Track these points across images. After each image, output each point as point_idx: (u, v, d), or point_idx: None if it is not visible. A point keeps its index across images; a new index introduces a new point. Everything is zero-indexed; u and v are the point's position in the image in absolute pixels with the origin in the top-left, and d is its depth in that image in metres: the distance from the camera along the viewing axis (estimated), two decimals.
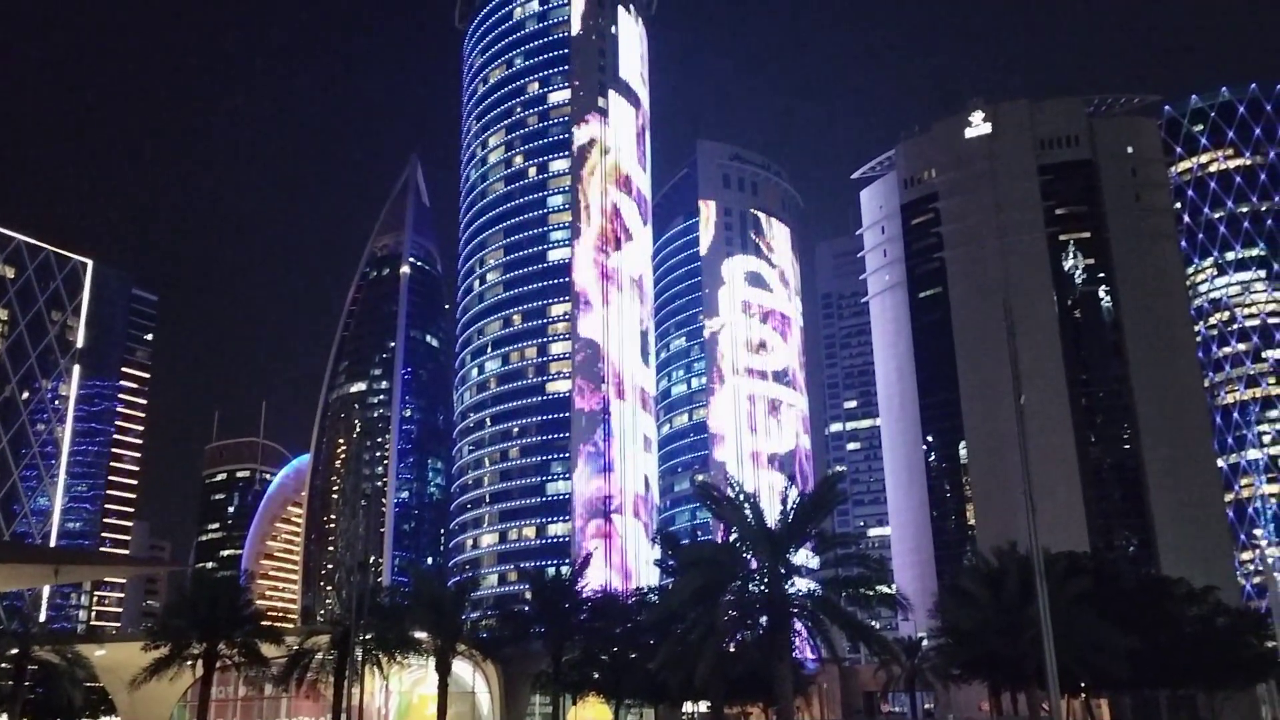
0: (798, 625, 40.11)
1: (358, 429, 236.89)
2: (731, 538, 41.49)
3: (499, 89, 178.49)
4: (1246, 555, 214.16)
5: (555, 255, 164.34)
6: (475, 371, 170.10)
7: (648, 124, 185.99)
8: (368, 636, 51.68)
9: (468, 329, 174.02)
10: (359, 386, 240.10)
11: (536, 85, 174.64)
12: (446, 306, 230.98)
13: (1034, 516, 37.91)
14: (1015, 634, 42.18)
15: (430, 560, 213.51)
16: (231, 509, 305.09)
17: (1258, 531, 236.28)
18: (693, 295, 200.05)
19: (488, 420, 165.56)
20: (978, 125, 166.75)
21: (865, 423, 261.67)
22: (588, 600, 59.09)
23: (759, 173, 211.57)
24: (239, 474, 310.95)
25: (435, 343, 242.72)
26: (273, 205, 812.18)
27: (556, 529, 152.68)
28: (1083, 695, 63.94)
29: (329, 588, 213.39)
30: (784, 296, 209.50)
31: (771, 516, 40.44)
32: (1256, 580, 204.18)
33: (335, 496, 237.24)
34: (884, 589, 41.94)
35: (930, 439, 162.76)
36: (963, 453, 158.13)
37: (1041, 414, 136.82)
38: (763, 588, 39.96)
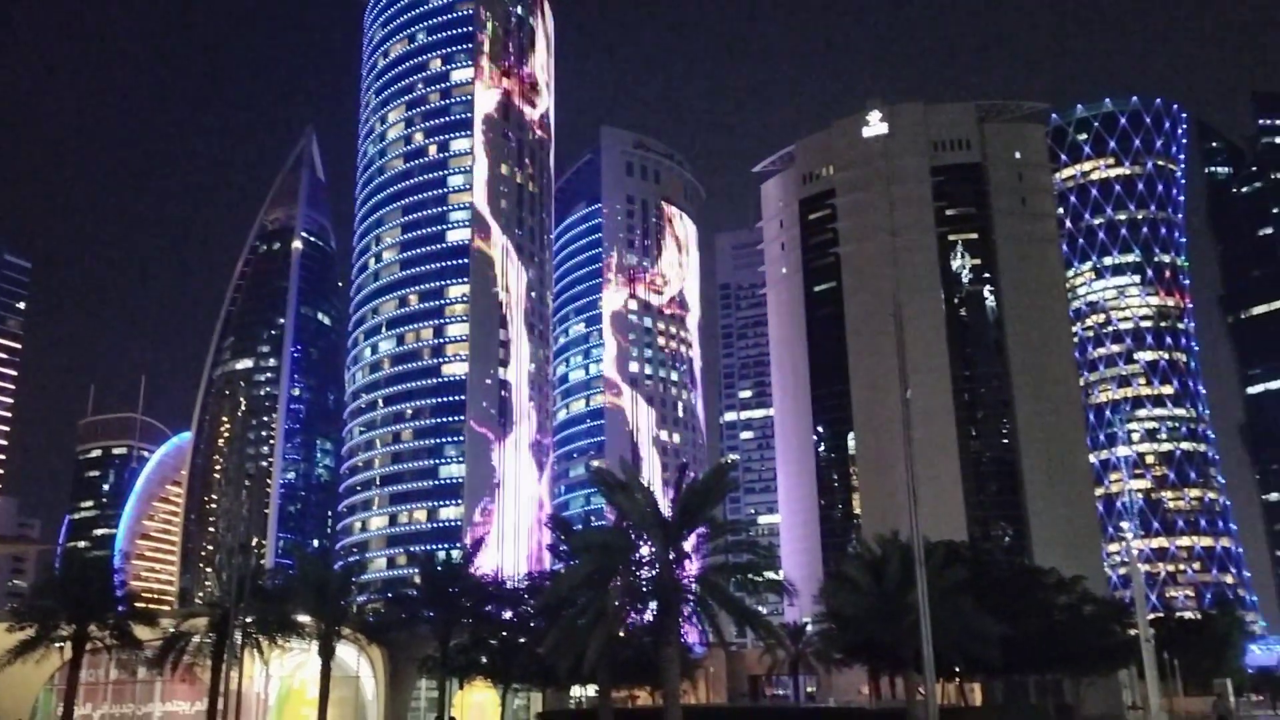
0: (687, 610, 40.54)
1: (243, 407, 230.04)
2: (624, 524, 41.62)
3: (400, 63, 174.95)
4: (1113, 547, 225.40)
5: (455, 236, 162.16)
6: (368, 351, 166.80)
7: (552, 108, 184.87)
8: (248, 619, 50.36)
9: (362, 308, 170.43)
10: (245, 363, 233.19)
11: (439, 62, 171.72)
12: (340, 284, 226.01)
13: (916, 506, 39.07)
14: (895, 620, 43.43)
15: (316, 543, 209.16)
16: (106, 487, 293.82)
17: (1124, 525, 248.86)
18: (593, 282, 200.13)
19: (380, 401, 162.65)
20: (875, 125, 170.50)
21: (759, 412, 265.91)
22: (478, 584, 58.60)
23: (662, 161, 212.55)
24: (115, 451, 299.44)
25: (327, 321, 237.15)
26: (158, 171, 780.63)
27: (448, 512, 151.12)
28: (957, 680, 66.31)
29: (209, 570, 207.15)
30: (683, 286, 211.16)
31: (665, 503, 40.75)
32: (1122, 571, 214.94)
33: (217, 476, 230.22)
34: (771, 575, 42.61)
35: (821, 429, 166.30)
36: (851, 443, 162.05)
37: (926, 408, 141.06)
38: (654, 573, 40.25)
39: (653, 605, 40.51)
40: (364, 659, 72.50)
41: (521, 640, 56.23)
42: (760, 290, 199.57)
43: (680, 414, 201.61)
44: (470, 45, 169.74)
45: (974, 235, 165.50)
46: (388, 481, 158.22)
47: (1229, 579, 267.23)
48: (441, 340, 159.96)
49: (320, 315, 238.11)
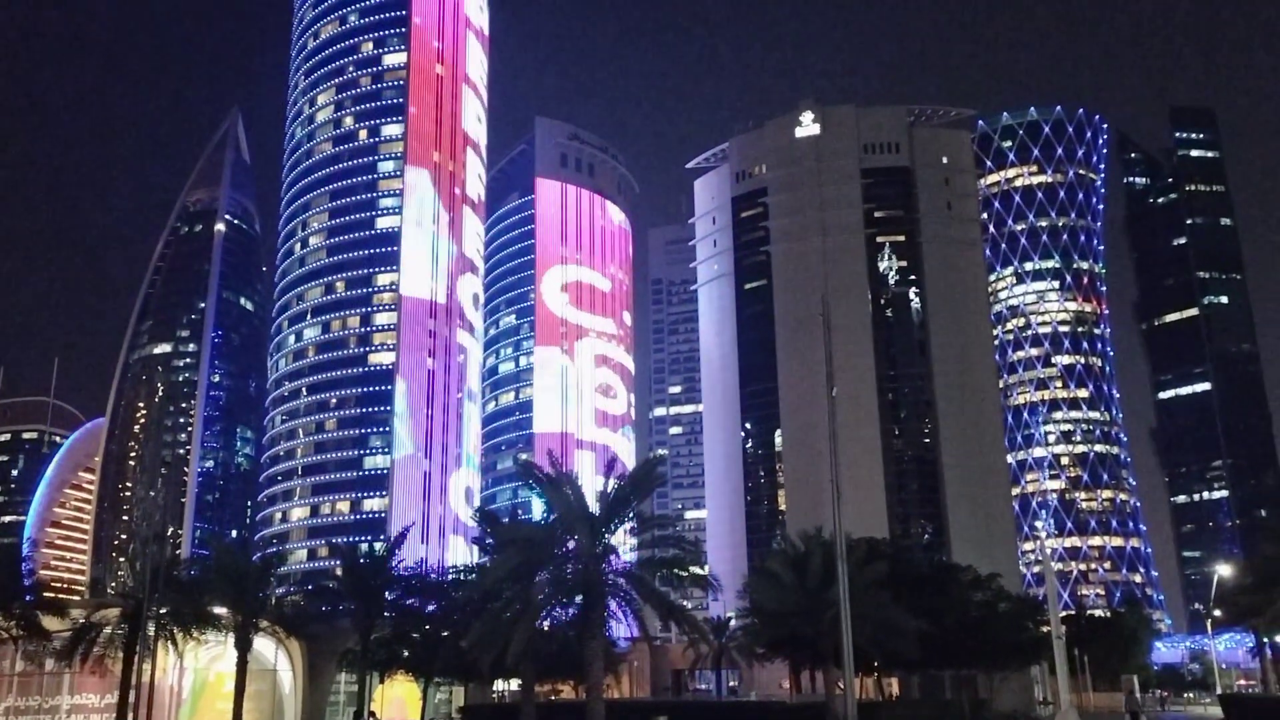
0: (613, 604, 40.58)
1: (160, 393, 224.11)
2: (551, 517, 41.49)
3: (330, 46, 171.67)
4: (1028, 545, 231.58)
5: (384, 223, 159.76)
6: (293, 338, 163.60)
7: (486, 96, 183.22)
8: (162, 611, 49.11)
9: (286, 293, 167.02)
10: (164, 348, 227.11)
11: (371, 45, 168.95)
12: (264, 269, 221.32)
13: (839, 503, 39.63)
14: (817, 615, 43.99)
15: (235, 533, 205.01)
16: (15, 472, 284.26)
17: (1039, 524, 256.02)
18: (525, 273, 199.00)
19: (304, 390, 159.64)
20: (808, 126, 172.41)
21: (688, 408, 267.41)
22: (402, 577, 57.88)
23: (597, 154, 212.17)
24: (25, 435, 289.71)
25: (250, 306, 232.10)
26: (75, 148, 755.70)
27: (373, 504, 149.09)
28: (875, 674, 67.46)
29: (122, 559, 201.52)
30: (615, 280, 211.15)
31: (592, 497, 40.71)
32: (1036, 569, 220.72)
33: (132, 463, 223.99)
34: (697, 570, 42.85)
35: (749, 426, 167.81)
36: (778, 440, 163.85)
37: (851, 407, 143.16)
38: (580, 567, 40.21)
39: (578, 599, 40.47)
40: (282, 652, 71.20)
41: (445, 634, 55.72)
42: (692, 286, 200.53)
43: (610, 407, 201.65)
44: (404, 29, 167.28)
45: (901, 238, 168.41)
46: (310, 471, 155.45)
47: (1138, 578, 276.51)
48: (369, 329, 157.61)
49: (243, 300, 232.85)
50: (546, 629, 43.99)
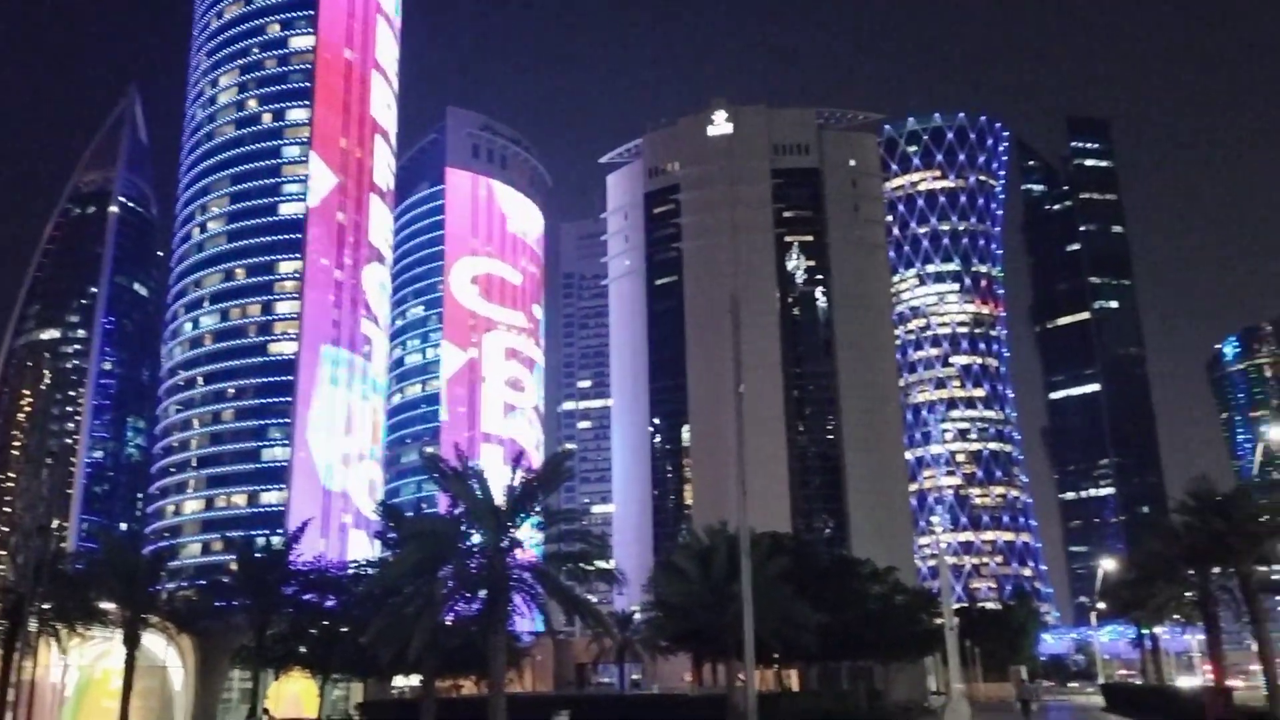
0: (517, 599, 40.36)
1: (47, 379, 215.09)
2: (456, 511, 41.08)
3: (234, 26, 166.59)
4: (924, 540, 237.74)
5: (288, 209, 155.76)
6: (189, 326, 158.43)
7: (396, 84, 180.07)
8: (45, 606, 47.18)
9: (183, 279, 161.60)
10: (52, 333, 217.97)
11: (278, 27, 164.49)
12: (160, 254, 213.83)
13: (744, 498, 40.10)
14: (720, 608, 44.44)
15: (125, 526, 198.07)
16: None
17: (935, 519, 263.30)
18: (434, 264, 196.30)
19: (200, 379, 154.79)
20: (720, 124, 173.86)
21: (598, 403, 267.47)
22: (300, 572, 56.62)
23: (509, 146, 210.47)
24: None
25: (144, 292, 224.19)
26: None
27: (270, 497, 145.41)
28: (776, 666, 68.47)
29: (3, 552, 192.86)
30: (526, 273, 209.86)
31: (498, 491, 40.43)
32: (931, 563, 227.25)
33: (16, 453, 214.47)
34: (603, 564, 42.92)
35: (657, 421, 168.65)
36: (686, 436, 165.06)
37: (758, 403, 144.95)
38: (484, 562, 39.91)
39: (482, 594, 40.16)
40: (173, 648, 69.13)
41: (344, 630, 54.75)
42: (603, 281, 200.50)
43: (518, 401, 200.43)
44: (312, 12, 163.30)
45: (809, 238, 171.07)
46: (205, 463, 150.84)
47: (1027, 572, 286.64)
48: (270, 317, 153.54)
49: (137, 286, 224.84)
50: (449, 624, 43.59)
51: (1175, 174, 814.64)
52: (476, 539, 40.27)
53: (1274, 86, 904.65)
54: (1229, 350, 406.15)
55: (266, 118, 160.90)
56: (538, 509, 41.29)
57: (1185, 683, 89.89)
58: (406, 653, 37.69)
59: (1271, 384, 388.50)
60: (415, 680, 66.41)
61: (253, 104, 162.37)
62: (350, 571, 62.04)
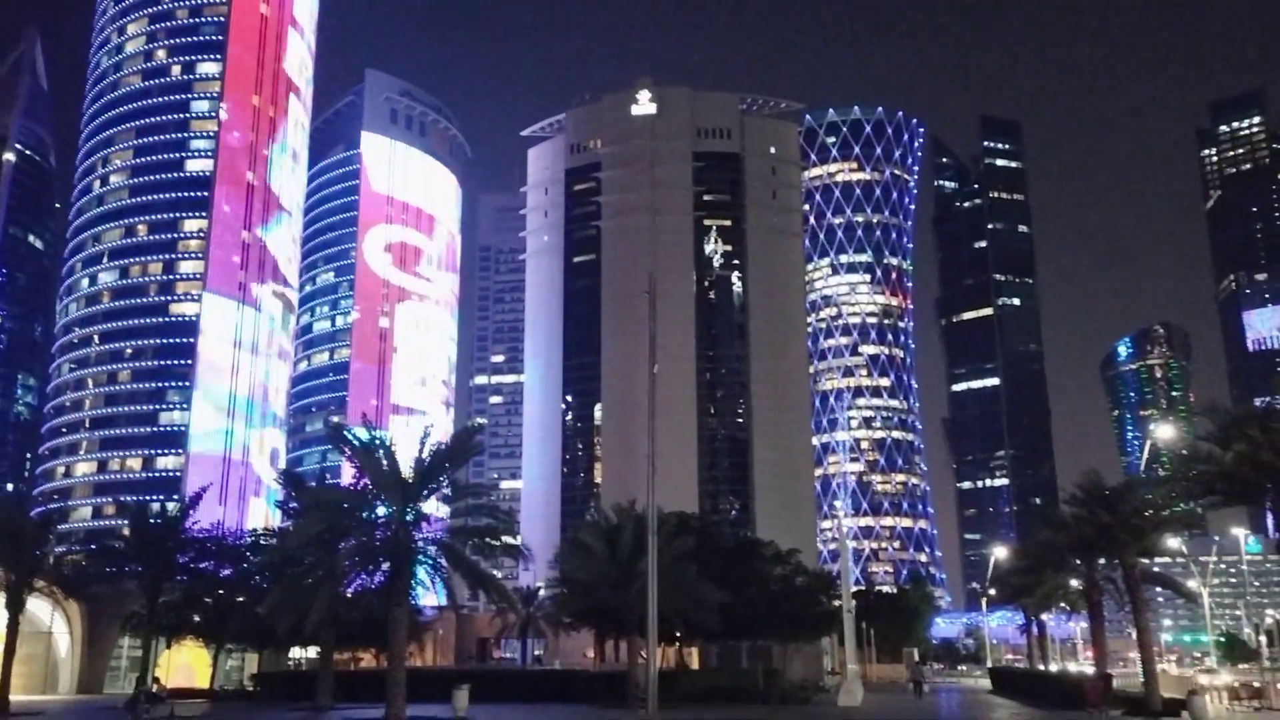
0: (421, 573, 40.02)
1: None
2: (361, 482, 40.50)
3: None
4: (827, 524, 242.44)
5: (195, 165, 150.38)
6: (86, 282, 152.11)
7: (314, 42, 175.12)
8: None
9: (82, 233, 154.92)
10: None
11: None
12: (58, 205, 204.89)
13: (653, 478, 40.37)
14: (626, 585, 44.71)
15: (12, 487, 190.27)
16: None
17: (838, 504, 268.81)
18: (346, 230, 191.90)
19: (96, 338, 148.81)
20: (644, 104, 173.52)
21: (510, 378, 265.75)
22: (196, 539, 55.15)
23: (429, 113, 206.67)
24: None
25: (40, 244, 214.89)
26: None
27: (167, 462, 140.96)
28: (677, 643, 69.26)
29: None
30: (442, 244, 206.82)
31: (406, 463, 39.94)
32: (832, 546, 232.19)
33: None
34: (509, 540, 42.76)
35: (569, 399, 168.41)
36: (598, 414, 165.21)
37: (671, 385, 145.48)
38: (389, 534, 39.46)
39: (386, 566, 39.72)
40: (59, 614, 66.96)
41: (240, 599, 53.63)
42: (520, 255, 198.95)
43: (429, 373, 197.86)
44: None
45: (728, 222, 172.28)
46: (99, 425, 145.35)
47: (923, 557, 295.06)
48: (172, 276, 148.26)
49: (31, 237, 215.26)
50: (349, 596, 43.06)
51: (1078, 178, 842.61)
52: (381, 511, 39.78)
53: (1173, 97, 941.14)
54: (1122, 350, 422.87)
55: (176, 70, 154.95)
56: (445, 482, 40.96)
57: (1069, 668, 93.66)
58: (304, 624, 37.16)
59: (1161, 384, 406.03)
60: (313, 652, 65.48)
61: (161, 55, 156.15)
62: (249, 540, 60.78)
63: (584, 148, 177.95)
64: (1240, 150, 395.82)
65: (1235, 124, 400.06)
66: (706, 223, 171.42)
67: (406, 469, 39.66)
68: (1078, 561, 50.64)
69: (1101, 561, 48.34)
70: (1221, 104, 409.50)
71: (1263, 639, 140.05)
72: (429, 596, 48.97)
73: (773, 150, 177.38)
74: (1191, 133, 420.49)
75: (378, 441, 40.43)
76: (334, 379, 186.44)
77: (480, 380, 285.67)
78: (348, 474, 45.42)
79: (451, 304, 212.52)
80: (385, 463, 39.52)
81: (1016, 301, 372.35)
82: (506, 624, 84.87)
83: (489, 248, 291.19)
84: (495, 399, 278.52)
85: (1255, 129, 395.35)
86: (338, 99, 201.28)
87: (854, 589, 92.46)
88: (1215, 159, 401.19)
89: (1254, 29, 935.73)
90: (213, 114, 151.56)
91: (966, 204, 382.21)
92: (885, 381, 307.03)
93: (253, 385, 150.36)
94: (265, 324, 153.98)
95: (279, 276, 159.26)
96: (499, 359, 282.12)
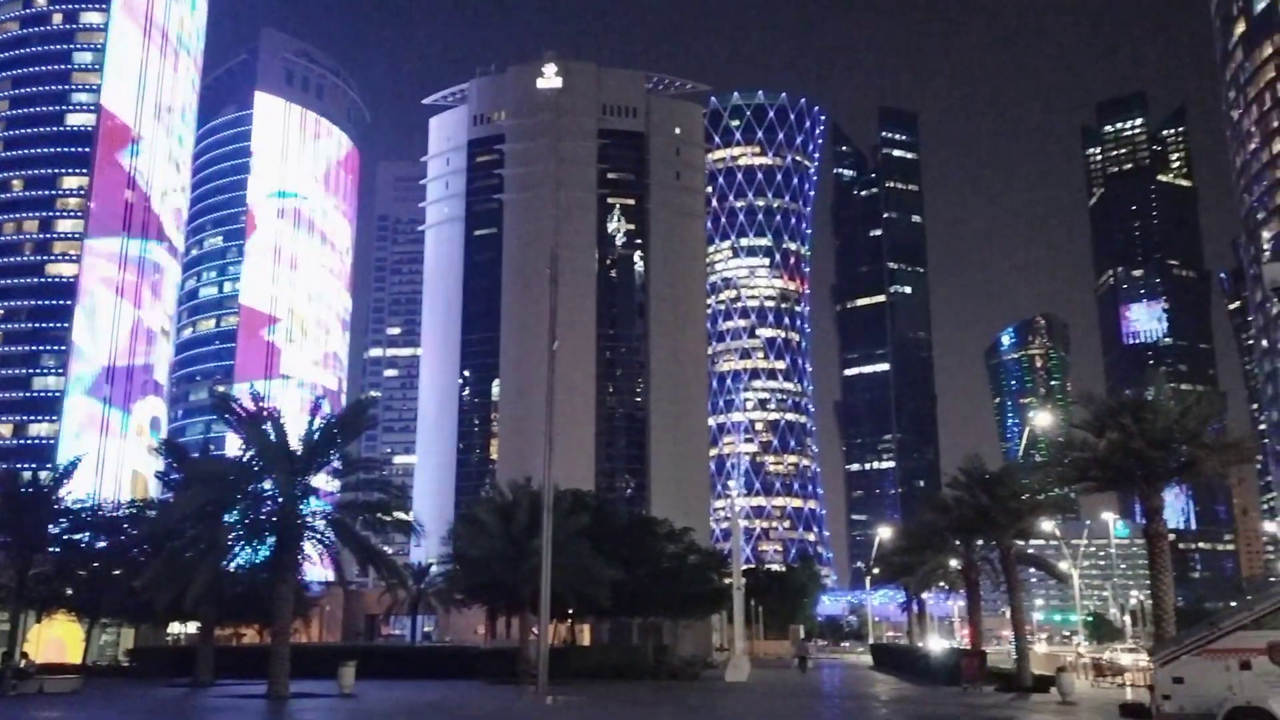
0: (309, 548, 39.31)
1: None
2: (248, 455, 39.48)
3: None
4: (720, 503, 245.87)
5: (76, 120, 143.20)
6: None
7: None
8: None
9: None
10: None
11: None
12: None
13: (550, 455, 40.28)
14: (519, 562, 44.62)
15: None
16: None
17: (731, 483, 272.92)
18: (236, 193, 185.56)
19: None
20: (550, 78, 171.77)
21: (406, 351, 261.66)
22: (70, 510, 52.96)
23: (327, 76, 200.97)
24: None
25: None
26: None
27: (40, 429, 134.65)
28: (569, 620, 69.49)
29: None
30: (338, 211, 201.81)
31: (295, 436, 39.09)
32: (725, 525, 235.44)
33: None
34: (402, 515, 42.32)
35: (467, 374, 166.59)
36: (495, 390, 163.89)
37: (570, 362, 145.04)
38: (276, 508, 38.63)
39: (272, 541, 38.88)
40: None
41: (116, 572, 51.79)
42: (420, 226, 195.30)
43: (322, 344, 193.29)
44: None
45: (631, 201, 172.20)
46: None
47: (811, 537, 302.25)
48: (49, 235, 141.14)
49: None
50: (233, 570, 42.06)
51: (971, 171, 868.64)
52: (268, 485, 38.92)
53: (1062, 96, 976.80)
54: (1005, 340, 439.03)
55: (57, 18, 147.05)
56: (337, 456, 40.26)
57: (945, 644, 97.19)
58: (185, 598, 36.17)
59: (1041, 374, 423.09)
60: (193, 627, 63.76)
61: (42, 2, 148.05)
62: (127, 512, 58.74)
63: (487, 119, 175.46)
64: (1123, 150, 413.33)
65: (1119, 125, 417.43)
66: (610, 201, 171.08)
67: (295, 441, 38.84)
68: (957, 542, 52.49)
69: (980, 542, 50.18)
70: (1107, 105, 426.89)
71: (1127, 619, 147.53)
72: (317, 571, 48.11)
73: (678, 131, 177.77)
74: (1078, 132, 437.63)
75: (265, 413, 39.42)
76: (220, 347, 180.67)
77: (375, 353, 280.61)
78: (233, 446, 44.19)
79: (346, 274, 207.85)
80: (273, 435, 38.62)
81: (908, 290, 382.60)
82: (396, 600, 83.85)
83: (387, 217, 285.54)
84: (390, 372, 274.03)
85: (1137, 130, 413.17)
86: (231, 58, 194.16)
87: (744, 567, 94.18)
88: (1099, 158, 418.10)
89: (1140, 33, 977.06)
90: (96, 66, 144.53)
91: (863, 192, 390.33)
92: (781, 364, 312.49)
93: (133, 351, 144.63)
94: (147, 287, 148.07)
95: (164, 239, 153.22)
96: (395, 331, 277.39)
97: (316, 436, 38.91)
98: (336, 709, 33.45)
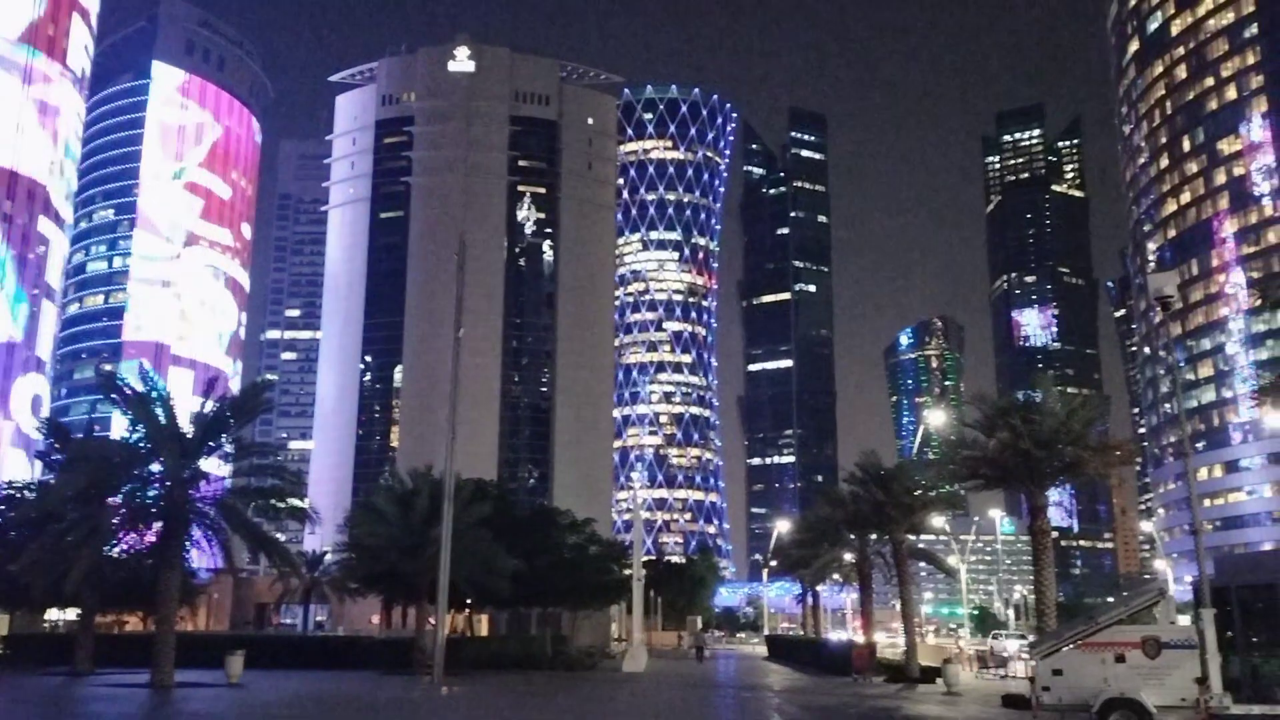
0: (198, 533, 38.12)
1: None
2: (135, 436, 38.06)
3: None
4: (623, 495, 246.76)
5: None
6: None
7: None
8: None
9: None
10: None
11: None
12: None
13: (453, 443, 39.85)
14: (418, 551, 44.03)
15: None
16: None
17: (634, 475, 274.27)
18: (130, 165, 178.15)
19: None
20: (462, 61, 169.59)
21: (306, 333, 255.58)
22: None
23: (230, 48, 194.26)
24: None
25: None
26: None
27: None
28: (467, 610, 68.88)
29: None
30: (237, 188, 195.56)
31: (186, 418, 37.84)
32: (626, 516, 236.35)
33: None
34: (296, 502, 41.35)
35: (369, 359, 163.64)
36: (398, 376, 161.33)
37: (476, 349, 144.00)
38: (163, 491, 37.35)
39: (158, 526, 37.58)
40: None
41: None
42: (323, 206, 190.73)
43: (216, 324, 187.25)
44: None
45: (542, 190, 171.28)
46: None
47: (712, 529, 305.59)
48: None
49: None
50: (116, 556, 40.54)
51: (875, 173, 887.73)
52: (156, 467, 37.62)
53: (965, 104, 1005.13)
54: (904, 340, 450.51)
55: None
56: (230, 440, 39.14)
57: (837, 636, 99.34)
58: (64, 584, 34.74)
59: (936, 374, 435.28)
60: (73, 614, 61.34)
61: None
62: (4, 493, 56.09)
63: (396, 99, 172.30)
64: (1020, 159, 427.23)
65: (1017, 134, 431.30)
66: (520, 189, 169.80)
67: (186, 423, 37.64)
68: (852, 536, 53.69)
69: (874, 537, 51.43)
70: (1006, 115, 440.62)
71: (1010, 612, 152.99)
72: (205, 558, 46.74)
73: (590, 121, 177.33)
74: (978, 140, 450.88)
75: (155, 393, 38.07)
76: (108, 324, 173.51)
77: (273, 335, 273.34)
78: (120, 427, 42.60)
79: (244, 252, 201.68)
80: (163, 416, 37.33)
81: (812, 288, 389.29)
82: (289, 589, 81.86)
83: (289, 196, 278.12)
84: (288, 355, 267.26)
85: (1034, 141, 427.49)
86: (128, 25, 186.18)
87: (645, 559, 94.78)
88: (998, 166, 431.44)
89: (1042, 47, 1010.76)
90: None
91: (772, 191, 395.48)
92: (687, 358, 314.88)
93: (14, 326, 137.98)
94: (31, 260, 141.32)
95: (50, 210, 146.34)
96: (294, 313, 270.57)
97: (208, 419, 37.73)
98: (221, 698, 32.53)
